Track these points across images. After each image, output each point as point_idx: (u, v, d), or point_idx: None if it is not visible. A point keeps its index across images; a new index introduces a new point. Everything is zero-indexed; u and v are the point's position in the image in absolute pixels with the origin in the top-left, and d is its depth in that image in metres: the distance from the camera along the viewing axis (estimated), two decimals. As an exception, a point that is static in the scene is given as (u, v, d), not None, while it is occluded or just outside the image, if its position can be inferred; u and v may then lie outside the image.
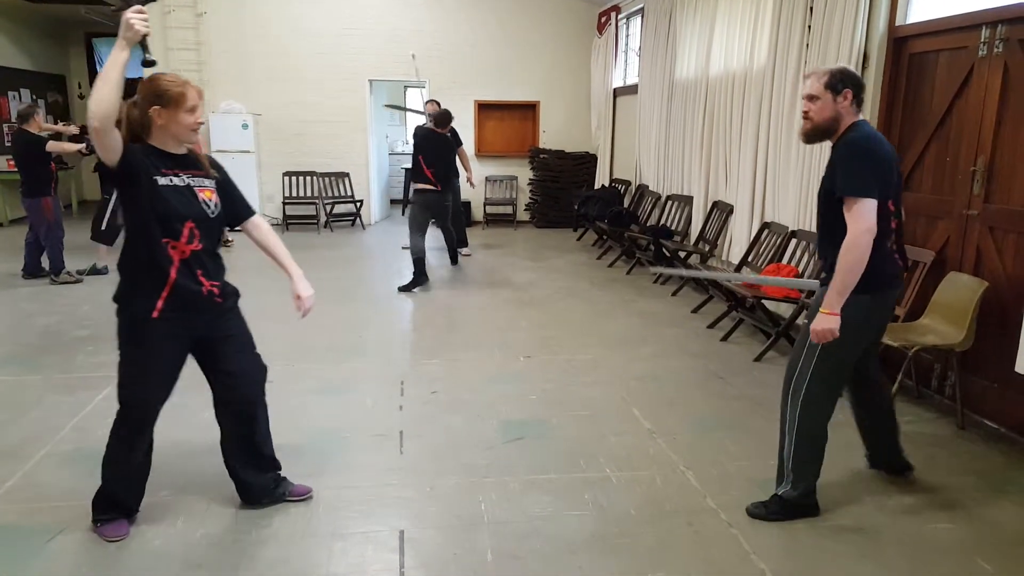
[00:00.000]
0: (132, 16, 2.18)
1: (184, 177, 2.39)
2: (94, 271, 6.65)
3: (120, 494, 2.58)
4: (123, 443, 2.54)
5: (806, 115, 2.61)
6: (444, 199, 6.64)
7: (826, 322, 2.45)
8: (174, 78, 2.37)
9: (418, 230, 6.39)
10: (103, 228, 6.65)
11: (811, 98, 2.57)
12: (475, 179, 7.73)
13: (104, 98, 2.12)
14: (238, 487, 2.74)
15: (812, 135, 2.63)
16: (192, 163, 2.45)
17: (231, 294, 2.58)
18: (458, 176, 7.48)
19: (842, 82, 2.52)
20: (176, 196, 2.35)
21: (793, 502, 2.70)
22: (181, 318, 2.42)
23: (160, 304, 2.38)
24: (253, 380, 2.68)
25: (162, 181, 2.33)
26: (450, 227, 7.15)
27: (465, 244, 7.89)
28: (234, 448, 2.71)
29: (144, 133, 2.35)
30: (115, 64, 2.17)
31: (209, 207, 2.43)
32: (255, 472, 2.73)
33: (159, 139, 2.36)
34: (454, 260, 7.42)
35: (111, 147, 2.20)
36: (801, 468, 2.68)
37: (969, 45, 3.72)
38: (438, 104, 7.48)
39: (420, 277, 6.33)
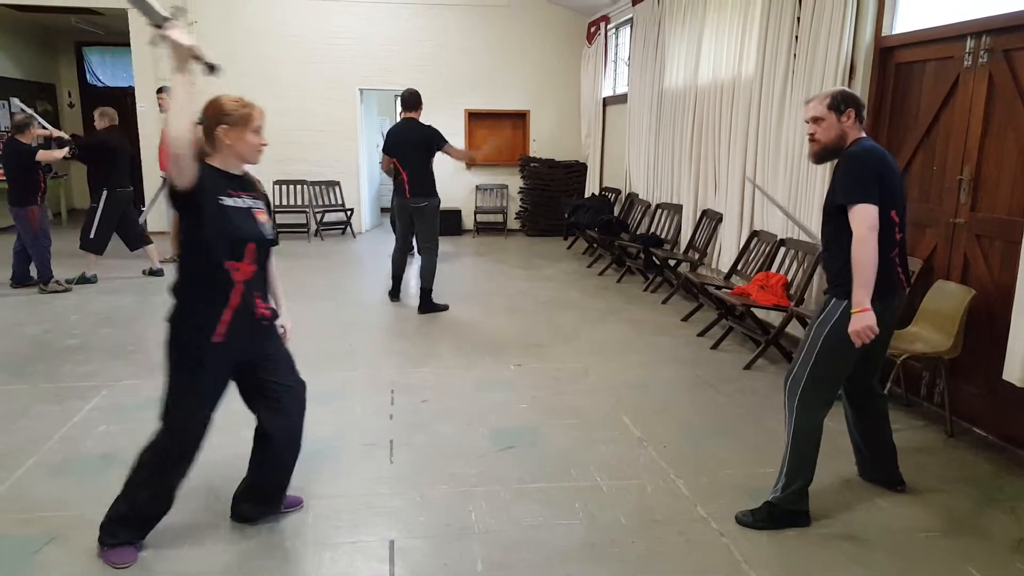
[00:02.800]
0: (175, 35, 2.20)
1: (245, 199, 2.41)
2: (83, 280, 6.60)
3: (141, 520, 2.47)
4: (163, 468, 2.44)
5: (812, 137, 2.70)
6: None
7: (860, 320, 2.50)
8: (239, 99, 2.39)
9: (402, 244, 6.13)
10: (92, 237, 6.62)
11: (816, 120, 2.67)
12: (465, 178, 7.47)
13: (182, 126, 2.15)
14: (237, 514, 2.69)
15: (822, 155, 2.74)
16: (249, 185, 2.47)
17: (275, 315, 2.57)
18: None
19: (844, 102, 2.64)
20: (240, 217, 2.36)
21: (782, 509, 2.71)
22: (239, 342, 2.40)
23: (223, 329, 2.35)
24: (297, 396, 2.65)
25: (227, 202, 2.33)
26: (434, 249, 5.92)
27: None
28: (259, 483, 2.67)
29: (208, 152, 2.35)
30: (182, 89, 2.20)
31: (265, 229, 2.45)
32: (265, 508, 2.70)
33: (222, 159, 2.37)
34: (425, 302, 5.91)
35: (188, 170, 2.20)
36: (794, 469, 2.71)
37: (955, 55, 3.77)
38: None
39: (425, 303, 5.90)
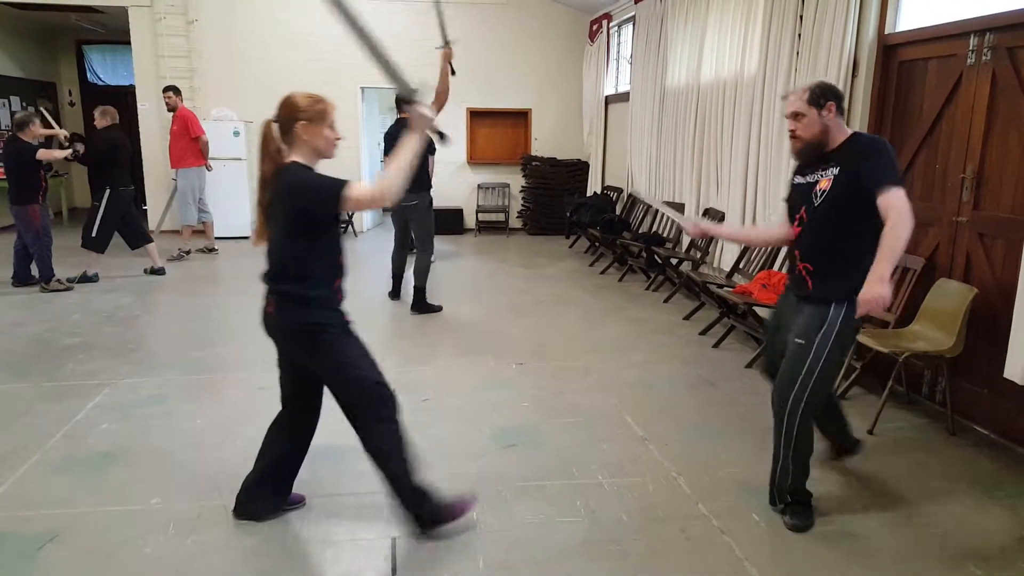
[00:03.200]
0: (423, 110, 2.41)
1: None
2: (85, 279, 6.60)
3: (426, 494, 2.56)
4: (398, 431, 2.53)
5: (794, 134, 2.63)
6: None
7: (876, 288, 2.29)
8: (313, 95, 2.41)
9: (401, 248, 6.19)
10: (94, 236, 6.62)
11: (796, 116, 2.59)
12: (466, 177, 7.32)
13: (402, 184, 2.30)
14: (249, 509, 2.69)
15: (804, 152, 2.65)
16: None
17: None
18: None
19: (823, 95, 2.56)
20: None
21: (804, 491, 2.75)
22: None
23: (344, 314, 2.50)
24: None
25: None
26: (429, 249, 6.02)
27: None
28: (285, 470, 2.69)
29: (285, 149, 2.39)
30: (412, 153, 2.34)
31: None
32: (271, 505, 2.71)
33: (301, 155, 2.39)
34: (418, 302, 5.92)
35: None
36: (798, 475, 2.71)
37: (958, 53, 3.76)
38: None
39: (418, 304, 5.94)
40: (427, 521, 2.57)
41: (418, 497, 2.54)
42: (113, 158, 6.57)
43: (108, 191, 6.58)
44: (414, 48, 9.70)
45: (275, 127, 2.39)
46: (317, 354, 2.44)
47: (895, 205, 2.36)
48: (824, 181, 2.57)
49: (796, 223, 2.69)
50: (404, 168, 2.30)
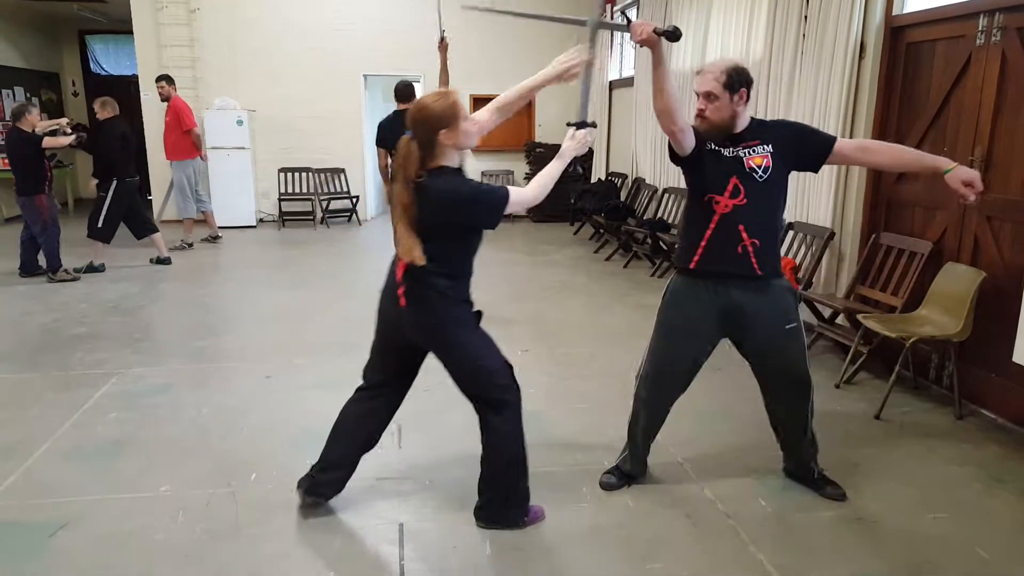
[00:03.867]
0: (586, 137, 2.49)
1: None
2: (91, 269, 6.63)
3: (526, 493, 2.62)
4: (520, 425, 2.58)
5: (701, 114, 2.55)
6: None
7: (965, 170, 2.52)
8: (441, 93, 2.35)
9: None
10: (100, 226, 6.63)
11: (708, 96, 2.52)
12: (467, 165, 7.52)
13: (546, 194, 2.48)
14: (326, 490, 2.70)
15: (709, 134, 2.58)
16: None
17: None
18: None
19: (739, 82, 2.50)
20: None
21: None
22: None
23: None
24: None
25: None
26: None
27: None
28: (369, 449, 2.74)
29: (429, 159, 2.32)
30: (555, 177, 2.51)
31: None
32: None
33: (447, 158, 2.36)
34: None
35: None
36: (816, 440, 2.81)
37: (967, 34, 3.72)
38: None
39: None
40: (515, 522, 2.57)
41: (522, 497, 2.57)
42: (118, 148, 6.58)
43: (115, 181, 6.59)
44: (419, 32, 9.67)
45: (414, 144, 2.29)
46: (451, 348, 2.45)
47: (857, 140, 2.62)
48: (759, 158, 2.54)
49: (729, 193, 2.53)
50: (549, 183, 2.53)
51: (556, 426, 3.44)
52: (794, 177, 4.96)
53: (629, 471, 2.91)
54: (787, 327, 2.60)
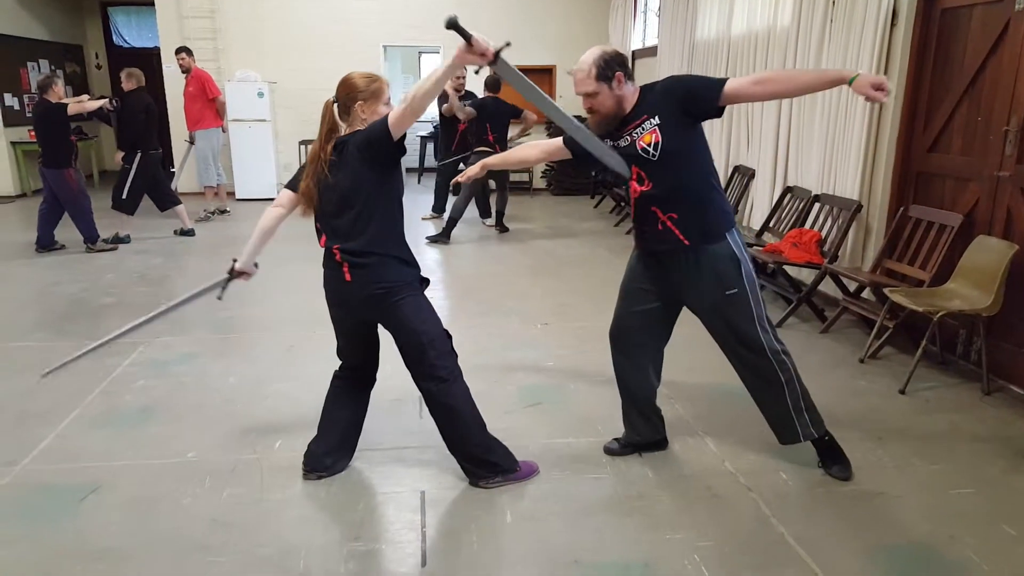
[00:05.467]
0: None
1: None
2: (117, 240, 6.71)
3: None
4: (465, 386, 2.68)
5: (590, 110, 2.55)
6: None
7: (869, 76, 2.32)
8: (369, 74, 2.59)
9: (468, 193, 7.00)
10: (124, 197, 6.70)
11: (590, 96, 2.50)
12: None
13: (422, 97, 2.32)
14: (327, 464, 2.77)
15: (604, 124, 2.56)
16: None
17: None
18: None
19: (609, 68, 2.46)
20: None
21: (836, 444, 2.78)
22: None
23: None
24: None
25: None
26: (506, 188, 7.62)
27: (490, 215, 7.86)
28: (360, 426, 2.88)
29: (346, 126, 2.56)
30: (429, 91, 2.32)
31: None
32: (349, 457, 2.86)
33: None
34: (500, 223, 7.57)
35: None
36: (809, 402, 2.72)
37: (1004, -1, 3.59)
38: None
39: (447, 235, 6.86)
40: (500, 469, 2.66)
41: (492, 445, 2.66)
42: (144, 120, 6.62)
43: (139, 154, 6.63)
44: (439, 2, 9.56)
45: (335, 107, 2.54)
46: (395, 312, 2.50)
47: (753, 75, 2.43)
48: (647, 135, 2.48)
49: (635, 182, 2.57)
50: (422, 97, 2.31)
51: (575, 398, 3.45)
52: (821, 148, 4.89)
53: (627, 439, 2.93)
54: (727, 293, 2.57)
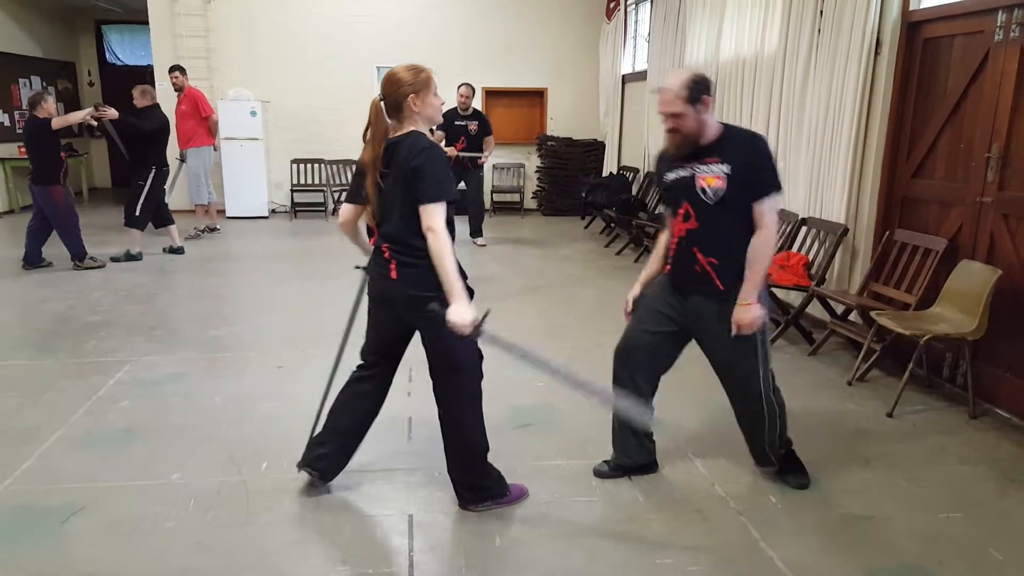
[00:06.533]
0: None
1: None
2: (129, 257, 6.68)
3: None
4: (480, 404, 2.65)
5: (672, 130, 2.56)
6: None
7: (755, 311, 2.51)
8: (412, 66, 2.42)
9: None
10: (137, 214, 6.68)
11: (674, 116, 2.52)
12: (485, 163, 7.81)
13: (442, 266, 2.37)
14: (323, 467, 2.76)
15: (683, 145, 2.57)
16: None
17: None
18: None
19: (698, 91, 2.49)
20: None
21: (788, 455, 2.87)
22: None
23: None
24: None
25: None
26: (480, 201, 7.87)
27: (480, 234, 7.91)
28: (366, 430, 2.83)
29: (398, 123, 2.41)
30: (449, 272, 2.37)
31: None
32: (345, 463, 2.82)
33: (415, 125, 2.42)
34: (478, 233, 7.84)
35: None
36: (784, 421, 2.79)
37: (985, 29, 3.67)
38: (471, 87, 7.65)
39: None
40: (491, 494, 2.63)
41: (489, 471, 2.63)
42: (160, 138, 6.65)
43: (153, 170, 6.64)
44: (432, 24, 9.66)
45: (383, 105, 2.40)
46: (435, 321, 2.41)
47: (770, 216, 2.51)
48: (712, 178, 2.52)
49: (681, 218, 2.62)
50: (447, 273, 2.37)
51: (565, 420, 3.44)
52: (808, 172, 4.95)
53: (617, 461, 2.93)
54: (737, 336, 2.57)
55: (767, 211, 2.51)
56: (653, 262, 2.87)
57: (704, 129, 2.54)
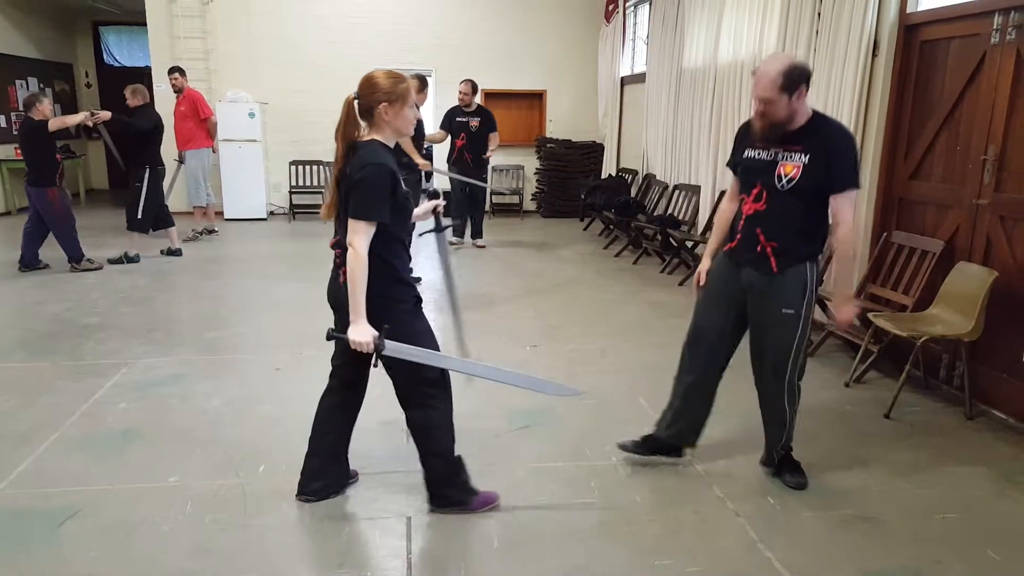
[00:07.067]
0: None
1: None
2: (128, 259, 6.67)
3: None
4: (448, 410, 2.65)
5: (760, 114, 2.57)
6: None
7: (849, 311, 2.67)
8: (393, 73, 2.40)
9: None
10: (139, 217, 6.67)
11: (766, 101, 2.51)
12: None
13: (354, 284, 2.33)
14: (318, 488, 2.74)
15: (769, 131, 2.58)
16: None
17: None
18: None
19: (796, 81, 2.48)
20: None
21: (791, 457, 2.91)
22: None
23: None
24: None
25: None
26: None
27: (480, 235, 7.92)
28: (347, 442, 2.81)
29: (366, 126, 2.40)
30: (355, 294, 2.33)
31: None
32: (344, 477, 2.82)
33: (382, 133, 2.40)
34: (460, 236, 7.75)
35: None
36: (792, 429, 2.85)
37: (981, 32, 3.68)
38: (471, 83, 7.61)
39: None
40: (455, 501, 2.62)
41: (455, 475, 2.61)
42: (154, 137, 6.63)
43: (148, 170, 6.63)
44: (432, 26, 9.66)
45: (356, 104, 2.37)
46: (387, 333, 2.39)
47: (845, 212, 2.54)
48: (790, 166, 2.56)
49: (752, 198, 2.67)
50: (354, 292, 2.32)
51: (564, 422, 3.44)
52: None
53: (655, 434, 3.01)
54: (783, 310, 2.65)
55: (844, 206, 2.54)
56: (718, 233, 2.93)
57: (794, 118, 2.56)
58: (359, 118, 2.38)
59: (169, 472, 2.90)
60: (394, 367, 2.49)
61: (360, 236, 2.28)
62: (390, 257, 2.39)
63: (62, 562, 2.34)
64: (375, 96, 2.34)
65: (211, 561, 2.35)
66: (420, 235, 2.69)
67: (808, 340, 2.74)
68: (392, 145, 2.46)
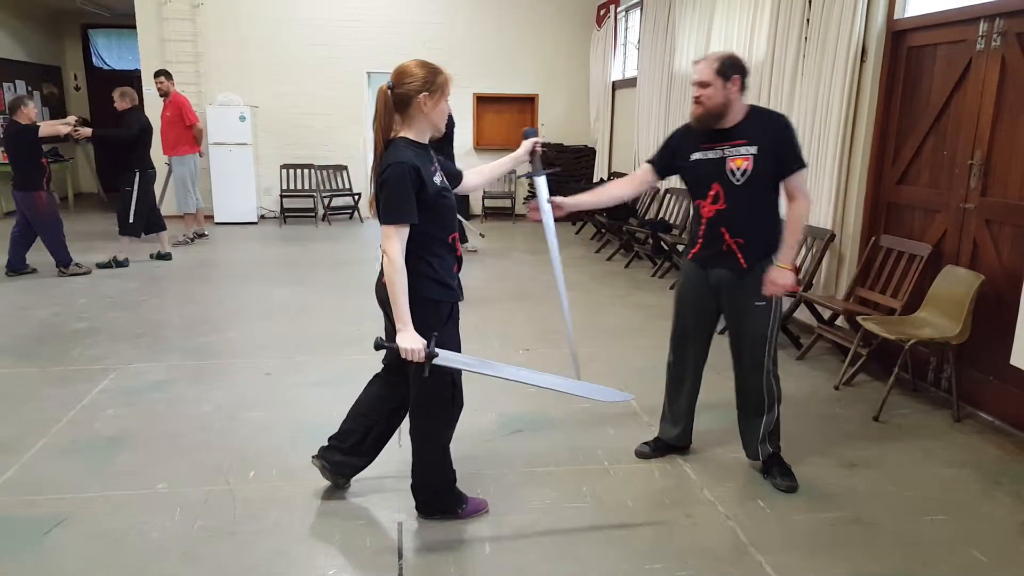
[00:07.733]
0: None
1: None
2: (117, 264, 6.63)
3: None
4: (451, 421, 2.63)
5: (697, 100, 2.69)
6: None
7: (790, 275, 2.70)
8: (429, 65, 2.28)
9: None
10: (131, 221, 6.63)
11: (702, 84, 2.65)
12: (472, 163, 7.77)
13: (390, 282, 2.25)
14: (343, 466, 2.76)
15: (704, 119, 2.70)
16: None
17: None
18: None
19: (731, 68, 2.64)
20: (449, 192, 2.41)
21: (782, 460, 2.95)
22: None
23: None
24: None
25: (437, 180, 2.32)
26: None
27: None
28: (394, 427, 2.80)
29: (400, 119, 2.28)
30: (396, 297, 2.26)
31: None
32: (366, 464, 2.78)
33: (417, 127, 2.30)
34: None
35: None
36: (777, 420, 2.92)
37: (967, 38, 3.72)
38: None
39: None
40: (443, 509, 2.61)
41: (445, 485, 2.60)
42: (142, 141, 6.60)
43: (138, 174, 6.60)
44: (424, 30, 9.67)
45: (390, 95, 2.24)
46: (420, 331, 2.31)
47: (802, 189, 2.71)
48: (740, 160, 2.66)
49: (710, 200, 2.74)
50: (395, 300, 2.25)
51: (557, 426, 3.44)
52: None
53: (660, 437, 3.13)
54: (755, 303, 2.75)
55: (799, 184, 2.69)
56: (598, 194, 3.14)
57: (729, 108, 2.65)
58: (394, 110, 2.27)
59: (158, 479, 2.89)
60: (415, 372, 2.44)
61: (392, 241, 2.18)
62: (427, 255, 2.31)
63: (49, 571, 2.32)
64: (413, 85, 2.22)
65: (201, 568, 2.34)
66: (518, 177, 2.71)
67: (777, 332, 2.83)
68: (426, 141, 2.35)
